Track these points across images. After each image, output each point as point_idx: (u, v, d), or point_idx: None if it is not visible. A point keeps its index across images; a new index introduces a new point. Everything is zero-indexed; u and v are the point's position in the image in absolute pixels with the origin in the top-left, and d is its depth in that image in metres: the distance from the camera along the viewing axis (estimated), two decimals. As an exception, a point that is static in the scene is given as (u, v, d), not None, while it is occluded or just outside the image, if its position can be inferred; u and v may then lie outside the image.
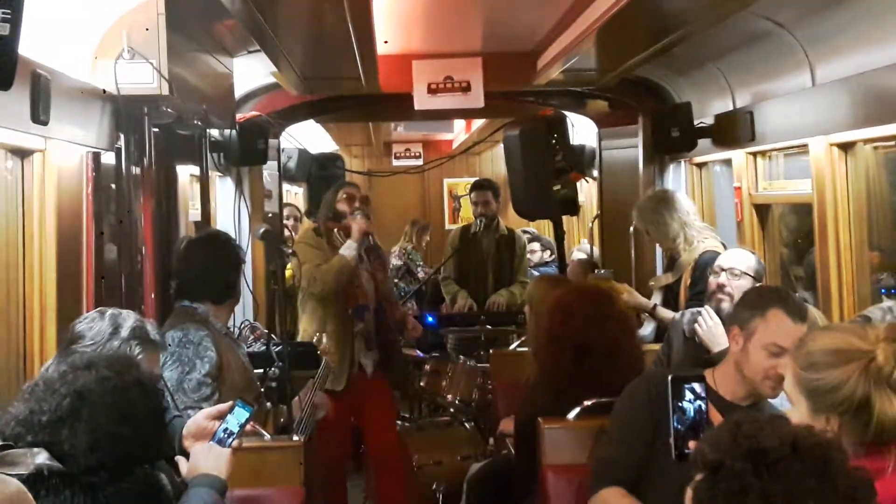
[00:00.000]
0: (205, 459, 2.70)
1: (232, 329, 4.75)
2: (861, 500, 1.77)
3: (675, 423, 2.71)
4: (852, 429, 2.22)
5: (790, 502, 1.73)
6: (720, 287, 4.39)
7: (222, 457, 2.70)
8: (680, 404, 2.76)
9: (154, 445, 2.50)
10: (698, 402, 2.77)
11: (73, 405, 2.34)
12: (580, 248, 8.72)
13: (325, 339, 4.83)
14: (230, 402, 2.84)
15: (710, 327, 4.22)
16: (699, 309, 4.47)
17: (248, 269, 5.24)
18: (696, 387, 2.78)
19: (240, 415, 2.79)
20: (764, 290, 3.68)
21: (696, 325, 4.29)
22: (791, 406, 2.40)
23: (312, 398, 4.61)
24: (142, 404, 2.43)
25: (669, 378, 2.79)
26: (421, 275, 10.38)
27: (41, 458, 2.25)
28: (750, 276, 4.38)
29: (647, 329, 5.52)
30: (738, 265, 4.40)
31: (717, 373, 3.30)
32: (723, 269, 4.42)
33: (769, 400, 3.26)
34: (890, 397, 2.21)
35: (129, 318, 3.00)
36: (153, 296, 4.18)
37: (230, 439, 2.74)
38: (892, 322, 3.07)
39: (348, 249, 5.60)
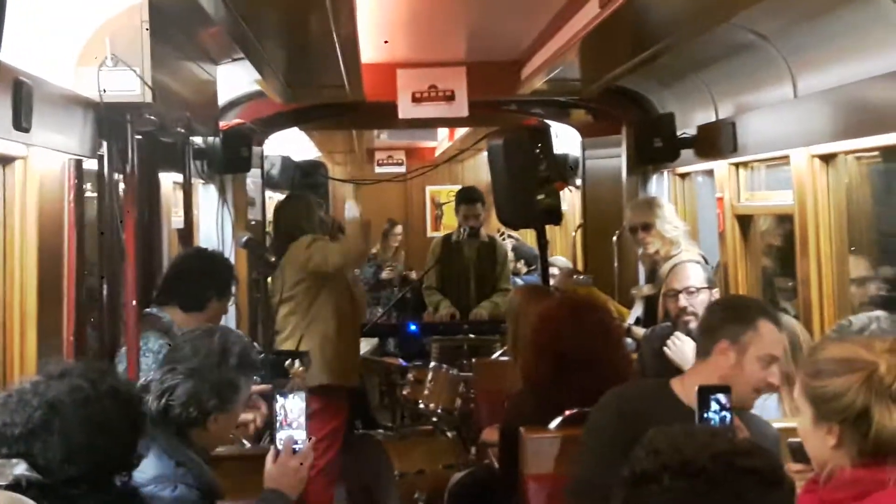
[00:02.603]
0: (271, 473, 2.88)
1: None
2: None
3: None
4: (852, 438, 2.24)
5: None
6: (683, 309, 4.37)
7: (287, 472, 2.87)
8: (706, 415, 2.76)
9: (130, 455, 2.47)
10: (724, 412, 2.77)
11: (44, 417, 2.30)
12: (554, 262, 8.67)
13: (297, 364, 4.84)
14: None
15: (679, 347, 4.22)
16: (667, 324, 4.47)
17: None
18: (722, 397, 2.79)
19: (285, 407, 2.82)
20: (747, 301, 3.62)
21: (665, 347, 4.28)
22: (793, 415, 2.43)
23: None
24: (116, 413, 2.39)
25: (696, 389, 2.80)
26: (385, 274, 10.41)
27: (20, 468, 2.23)
28: (706, 287, 4.39)
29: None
30: (692, 283, 4.40)
31: (686, 382, 3.21)
32: (677, 292, 4.41)
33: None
34: (890, 409, 2.21)
35: (236, 344, 3.01)
36: (134, 303, 4.16)
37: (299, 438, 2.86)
38: (876, 331, 3.11)
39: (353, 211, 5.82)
